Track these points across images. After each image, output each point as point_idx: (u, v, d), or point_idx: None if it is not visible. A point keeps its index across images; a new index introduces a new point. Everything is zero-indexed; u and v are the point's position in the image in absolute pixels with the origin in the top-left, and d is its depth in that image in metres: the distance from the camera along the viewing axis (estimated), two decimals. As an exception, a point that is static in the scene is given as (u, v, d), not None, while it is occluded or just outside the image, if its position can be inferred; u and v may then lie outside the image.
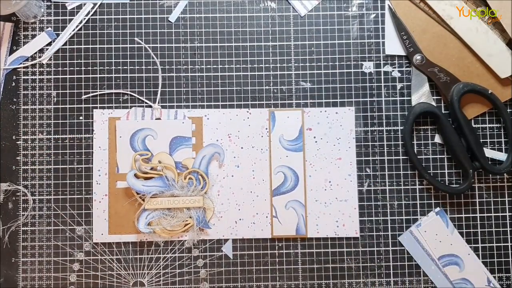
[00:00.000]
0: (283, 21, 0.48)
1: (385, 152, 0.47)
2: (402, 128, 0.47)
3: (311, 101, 0.47)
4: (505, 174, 0.47)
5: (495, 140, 0.47)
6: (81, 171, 0.47)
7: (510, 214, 0.47)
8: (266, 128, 0.47)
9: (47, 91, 0.47)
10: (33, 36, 0.48)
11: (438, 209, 0.47)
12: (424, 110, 0.46)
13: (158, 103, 0.47)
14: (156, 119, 0.47)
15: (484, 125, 0.47)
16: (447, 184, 0.47)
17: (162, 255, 0.46)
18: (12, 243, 0.46)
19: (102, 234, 0.46)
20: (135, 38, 0.47)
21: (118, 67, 0.47)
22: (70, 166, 0.47)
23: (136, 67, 0.47)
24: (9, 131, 0.47)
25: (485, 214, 0.47)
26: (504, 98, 0.47)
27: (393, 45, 0.48)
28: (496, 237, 0.47)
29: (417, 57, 0.47)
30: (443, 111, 0.47)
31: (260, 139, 0.47)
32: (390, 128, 0.47)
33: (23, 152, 0.47)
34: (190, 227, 0.46)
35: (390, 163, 0.47)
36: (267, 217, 0.46)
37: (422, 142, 0.47)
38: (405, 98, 0.47)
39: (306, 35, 0.48)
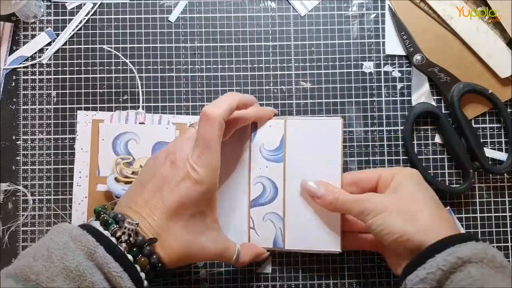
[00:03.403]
0: (283, 21, 0.48)
1: (385, 152, 0.47)
2: (402, 128, 0.47)
3: (311, 101, 0.47)
4: (505, 174, 0.47)
5: (495, 140, 0.47)
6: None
7: (510, 214, 0.47)
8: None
9: (47, 91, 0.47)
10: (33, 36, 0.48)
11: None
12: (424, 110, 0.46)
13: (142, 107, 0.47)
14: (139, 123, 0.47)
15: (484, 125, 0.47)
16: (447, 184, 0.47)
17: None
18: (12, 243, 0.46)
19: None
20: (104, 46, 0.47)
21: (118, 67, 0.47)
22: (70, 166, 0.47)
23: (136, 67, 0.47)
24: (9, 131, 0.47)
25: (485, 214, 0.47)
26: (504, 98, 0.47)
27: (393, 45, 0.47)
28: (496, 237, 0.46)
29: (417, 57, 0.47)
30: (443, 111, 0.47)
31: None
32: (390, 128, 0.47)
33: (23, 152, 0.47)
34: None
35: (390, 163, 0.47)
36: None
37: (422, 142, 0.47)
38: (405, 98, 0.47)
39: (306, 35, 0.48)
